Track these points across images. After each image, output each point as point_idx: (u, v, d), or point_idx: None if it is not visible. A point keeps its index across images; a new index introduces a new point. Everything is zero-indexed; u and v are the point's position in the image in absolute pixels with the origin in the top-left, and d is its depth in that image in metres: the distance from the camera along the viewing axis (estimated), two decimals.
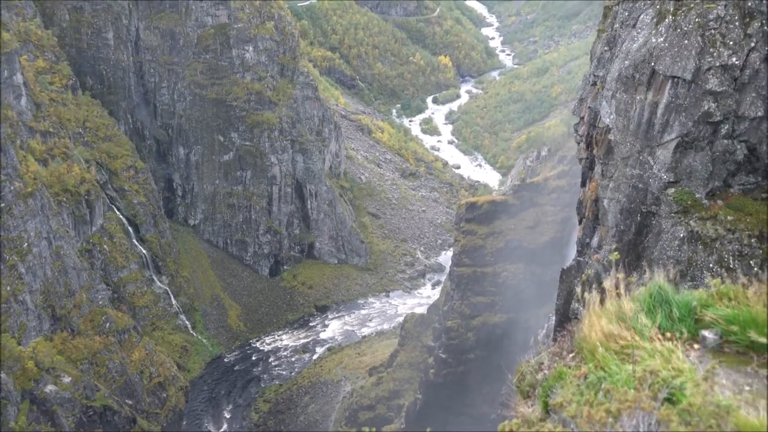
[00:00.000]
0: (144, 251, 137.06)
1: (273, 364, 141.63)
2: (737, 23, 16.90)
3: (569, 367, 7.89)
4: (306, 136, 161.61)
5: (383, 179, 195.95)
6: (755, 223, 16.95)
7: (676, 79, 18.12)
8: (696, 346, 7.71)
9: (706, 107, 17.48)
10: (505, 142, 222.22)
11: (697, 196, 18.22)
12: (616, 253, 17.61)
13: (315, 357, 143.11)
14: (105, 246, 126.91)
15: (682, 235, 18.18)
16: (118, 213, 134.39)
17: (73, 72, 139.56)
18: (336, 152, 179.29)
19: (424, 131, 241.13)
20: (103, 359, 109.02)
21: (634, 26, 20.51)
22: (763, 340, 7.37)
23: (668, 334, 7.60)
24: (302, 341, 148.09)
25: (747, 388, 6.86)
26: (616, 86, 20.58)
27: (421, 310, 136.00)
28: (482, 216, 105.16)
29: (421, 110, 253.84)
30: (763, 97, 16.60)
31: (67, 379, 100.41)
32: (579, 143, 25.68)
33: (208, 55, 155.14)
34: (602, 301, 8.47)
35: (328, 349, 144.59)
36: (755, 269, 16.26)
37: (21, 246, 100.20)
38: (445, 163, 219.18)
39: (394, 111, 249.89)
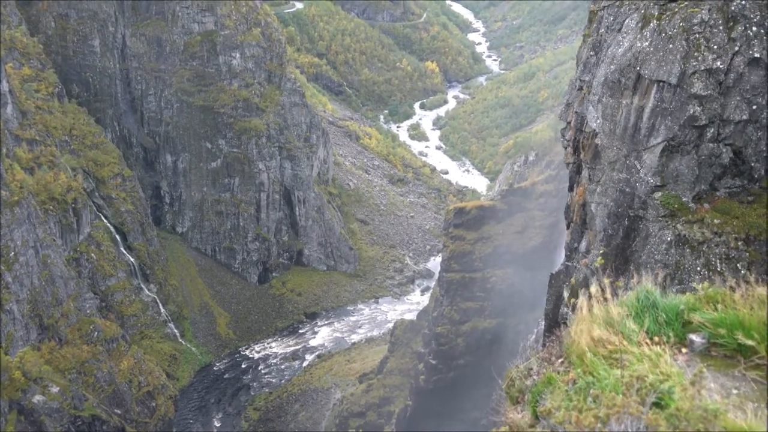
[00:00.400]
0: (132, 259, 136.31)
1: (263, 371, 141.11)
2: (721, 27, 16.99)
3: (558, 373, 7.87)
4: (294, 143, 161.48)
5: (371, 185, 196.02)
6: (741, 226, 17.02)
7: (661, 84, 18.19)
8: (684, 350, 7.72)
9: (691, 111, 17.55)
10: (492, 147, 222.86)
11: (684, 199, 18.28)
12: (600, 258, 17.64)
13: (305, 364, 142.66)
14: (92, 254, 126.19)
15: (669, 238, 18.23)
16: (105, 221, 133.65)
17: (60, 79, 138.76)
18: (324, 158, 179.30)
19: (411, 137, 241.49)
20: (91, 369, 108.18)
21: (619, 31, 20.59)
22: (750, 342, 7.37)
23: (656, 339, 7.60)
24: (292, 348, 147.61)
25: (735, 391, 6.86)
26: (603, 91, 20.65)
27: (411, 316, 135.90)
28: (470, 221, 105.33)
29: (408, 116, 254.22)
30: (747, 101, 16.69)
31: (55, 389, 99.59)
32: (566, 148, 25.73)
33: (194, 62, 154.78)
34: (591, 306, 8.46)
35: (318, 356, 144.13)
36: (742, 272, 16.32)
37: (7, 255, 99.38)
38: (433, 169, 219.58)
39: (381, 117, 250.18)
